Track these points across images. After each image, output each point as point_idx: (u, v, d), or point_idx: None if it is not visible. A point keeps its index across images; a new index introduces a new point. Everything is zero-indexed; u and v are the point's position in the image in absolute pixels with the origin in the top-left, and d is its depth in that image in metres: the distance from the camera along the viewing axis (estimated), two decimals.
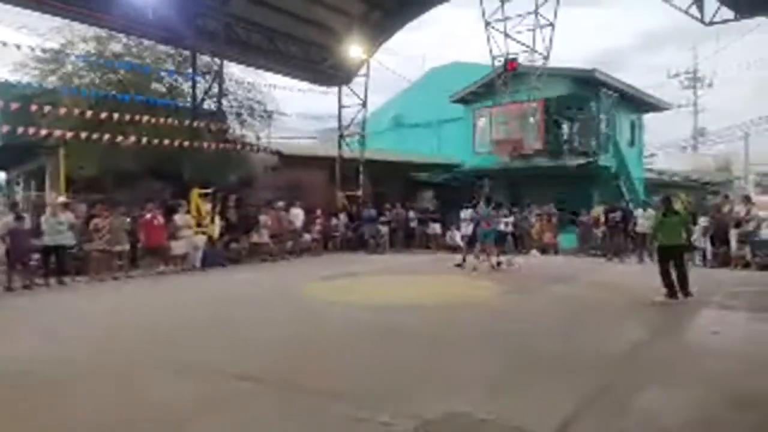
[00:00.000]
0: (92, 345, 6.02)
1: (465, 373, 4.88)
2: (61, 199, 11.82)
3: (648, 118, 26.30)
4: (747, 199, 13.93)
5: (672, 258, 8.46)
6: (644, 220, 14.81)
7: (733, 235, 13.06)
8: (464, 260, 12.91)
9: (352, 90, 19.93)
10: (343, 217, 18.31)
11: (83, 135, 12.48)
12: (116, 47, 16.50)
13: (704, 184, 31.11)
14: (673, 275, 8.41)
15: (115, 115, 12.98)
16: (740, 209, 13.41)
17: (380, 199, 19.77)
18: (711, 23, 14.03)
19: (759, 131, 24.60)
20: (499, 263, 12.63)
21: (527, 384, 4.56)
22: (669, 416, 3.86)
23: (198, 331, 6.71)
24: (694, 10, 13.93)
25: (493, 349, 5.74)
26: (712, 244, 13.31)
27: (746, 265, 12.79)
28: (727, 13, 13.81)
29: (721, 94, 61.71)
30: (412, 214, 18.92)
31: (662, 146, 34.70)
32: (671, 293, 8.37)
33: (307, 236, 16.68)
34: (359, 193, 19.62)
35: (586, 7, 64.88)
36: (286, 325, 7.14)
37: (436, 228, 18.60)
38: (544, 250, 16.54)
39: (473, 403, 4.04)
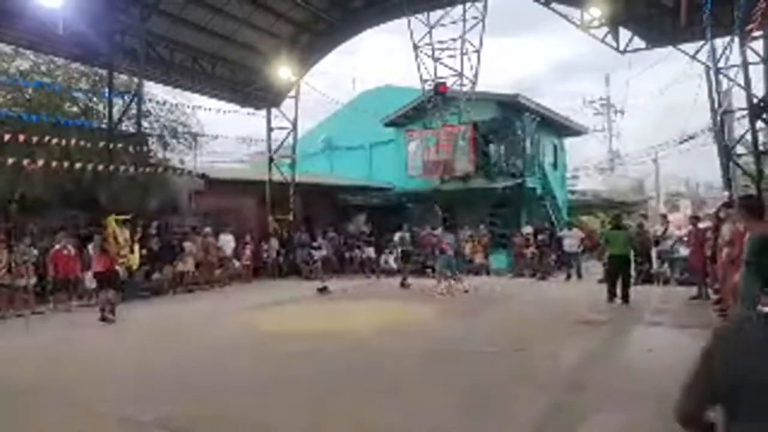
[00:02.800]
0: None
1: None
2: None
3: (568, 141, 27.54)
4: (664, 218, 14.70)
5: (618, 266, 9.96)
6: (570, 239, 15.40)
7: (654, 252, 13.69)
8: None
9: (281, 112, 19.53)
10: (274, 242, 17.71)
11: None
12: (24, 64, 15.29)
13: (620, 204, 32.99)
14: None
15: (21, 137, 11.88)
16: (658, 228, 14.11)
17: (312, 223, 19.33)
18: (625, 51, 14.91)
19: (666, 154, 26.45)
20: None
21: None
22: None
23: (108, 373, 6.03)
24: (609, 40, 14.76)
25: (436, 390, 5.20)
26: (635, 261, 13.84)
27: (666, 281, 13.43)
28: (639, 42, 14.74)
29: (634, 119, 66.64)
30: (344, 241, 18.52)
31: (582, 168, 36.47)
32: (611, 296, 9.90)
33: (236, 263, 15.97)
34: (290, 217, 19.09)
35: (500, 36, 68.09)
36: (212, 363, 6.58)
37: (369, 252, 18.35)
38: (476, 272, 16.64)
39: None
